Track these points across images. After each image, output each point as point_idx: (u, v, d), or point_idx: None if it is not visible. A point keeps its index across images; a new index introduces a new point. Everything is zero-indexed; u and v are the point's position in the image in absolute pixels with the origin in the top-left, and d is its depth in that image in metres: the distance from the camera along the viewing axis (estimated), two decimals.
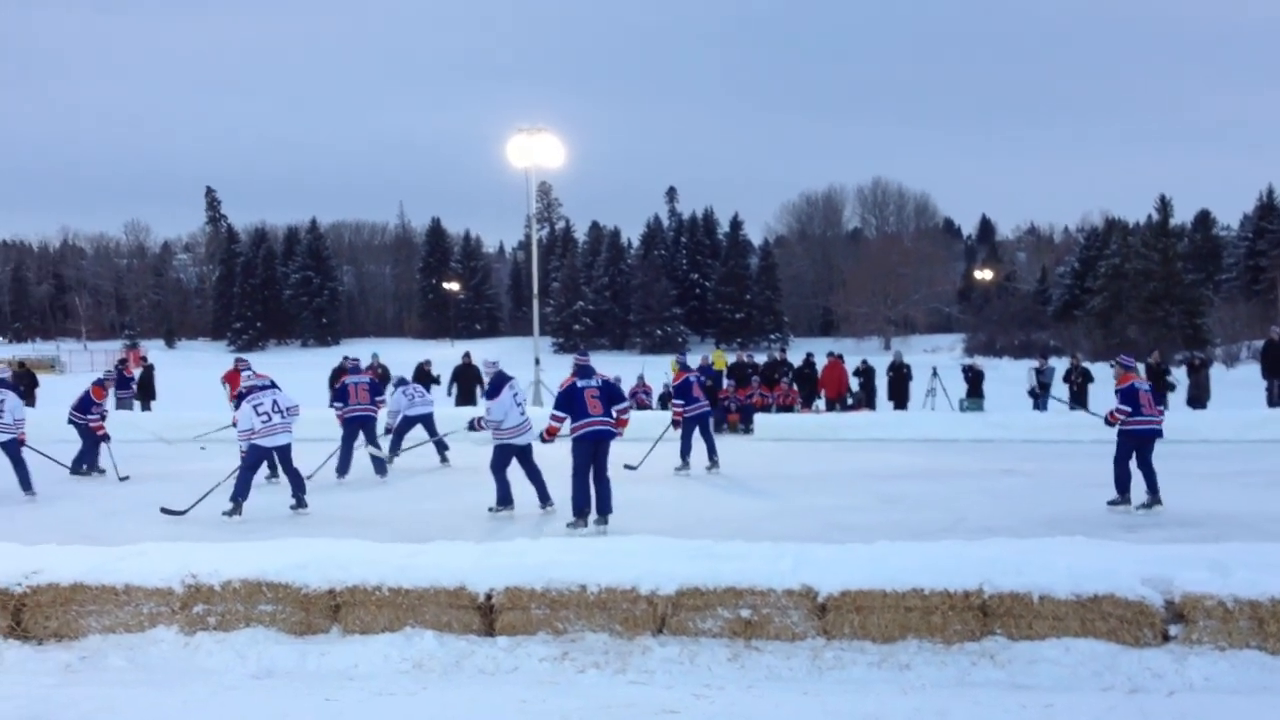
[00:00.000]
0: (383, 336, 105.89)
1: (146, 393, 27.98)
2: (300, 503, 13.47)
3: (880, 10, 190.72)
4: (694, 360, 22.62)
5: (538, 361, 33.38)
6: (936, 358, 50.23)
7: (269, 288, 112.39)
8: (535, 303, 37.61)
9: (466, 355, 28.60)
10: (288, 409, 13.64)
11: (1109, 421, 13.21)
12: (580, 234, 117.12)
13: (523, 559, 7.90)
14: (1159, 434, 13.22)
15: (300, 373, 37.24)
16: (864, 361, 29.00)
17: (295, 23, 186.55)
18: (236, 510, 12.93)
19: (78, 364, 67.39)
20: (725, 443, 21.89)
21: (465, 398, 26.73)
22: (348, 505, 14.10)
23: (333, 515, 13.04)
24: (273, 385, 14.07)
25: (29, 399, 30.60)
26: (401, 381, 19.15)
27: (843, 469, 17.52)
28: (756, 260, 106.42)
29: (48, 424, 20.88)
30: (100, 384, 18.37)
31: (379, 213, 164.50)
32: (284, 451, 13.65)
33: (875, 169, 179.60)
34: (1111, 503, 13.07)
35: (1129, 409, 12.98)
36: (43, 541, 8.44)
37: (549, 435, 12.61)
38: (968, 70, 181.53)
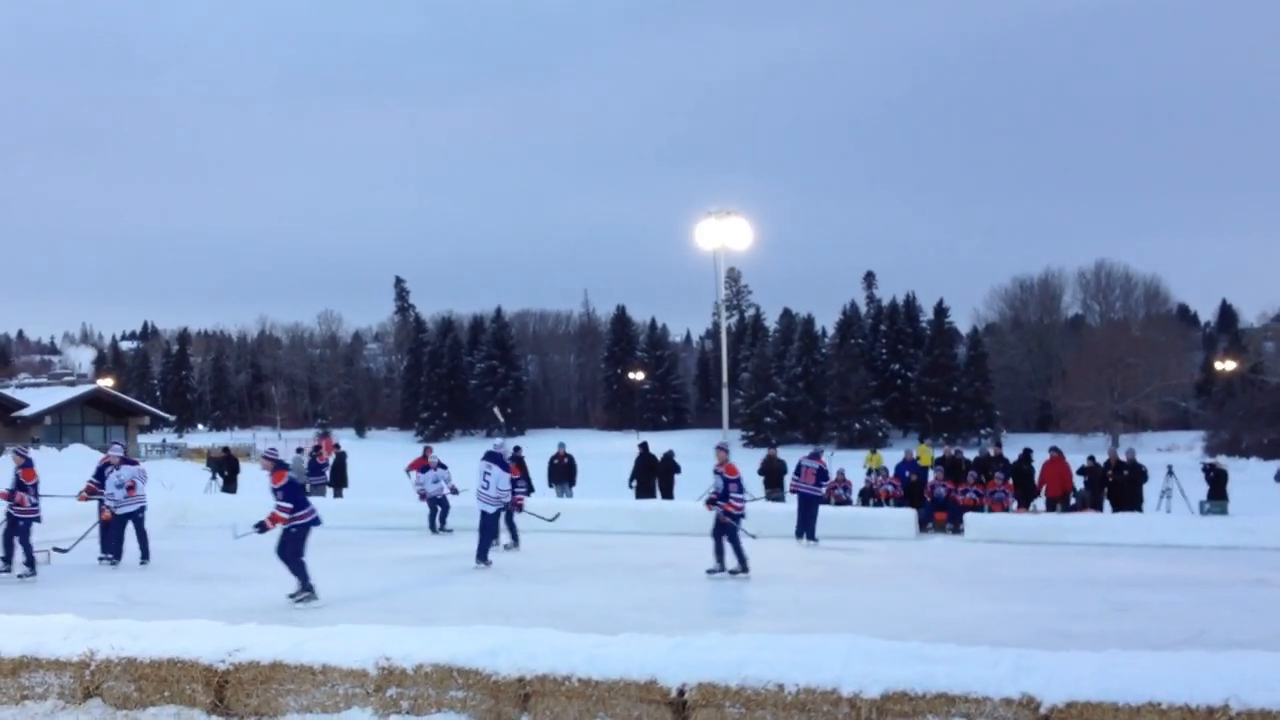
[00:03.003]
0: (567, 427, 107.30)
1: (339, 480, 29.02)
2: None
3: (1097, 81, 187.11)
4: (895, 456, 22.53)
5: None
6: (1172, 456, 48.43)
7: (455, 377, 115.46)
8: (725, 393, 37.57)
9: (643, 445, 28.97)
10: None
11: None
12: (771, 322, 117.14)
13: (717, 654, 7.89)
14: None
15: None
16: (1090, 459, 28.12)
17: (479, 113, 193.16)
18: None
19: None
20: (931, 543, 21.59)
21: (645, 490, 27.03)
22: (537, 594, 14.38)
23: (522, 603, 13.31)
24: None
25: (232, 485, 32.27)
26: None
27: (1065, 574, 17.02)
28: (964, 349, 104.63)
29: (244, 509, 21.80)
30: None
31: (563, 301, 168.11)
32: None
33: (1097, 251, 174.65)
34: None
35: None
36: (242, 620, 8.86)
37: None
38: (1203, 142, 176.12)
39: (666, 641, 8.33)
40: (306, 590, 14.22)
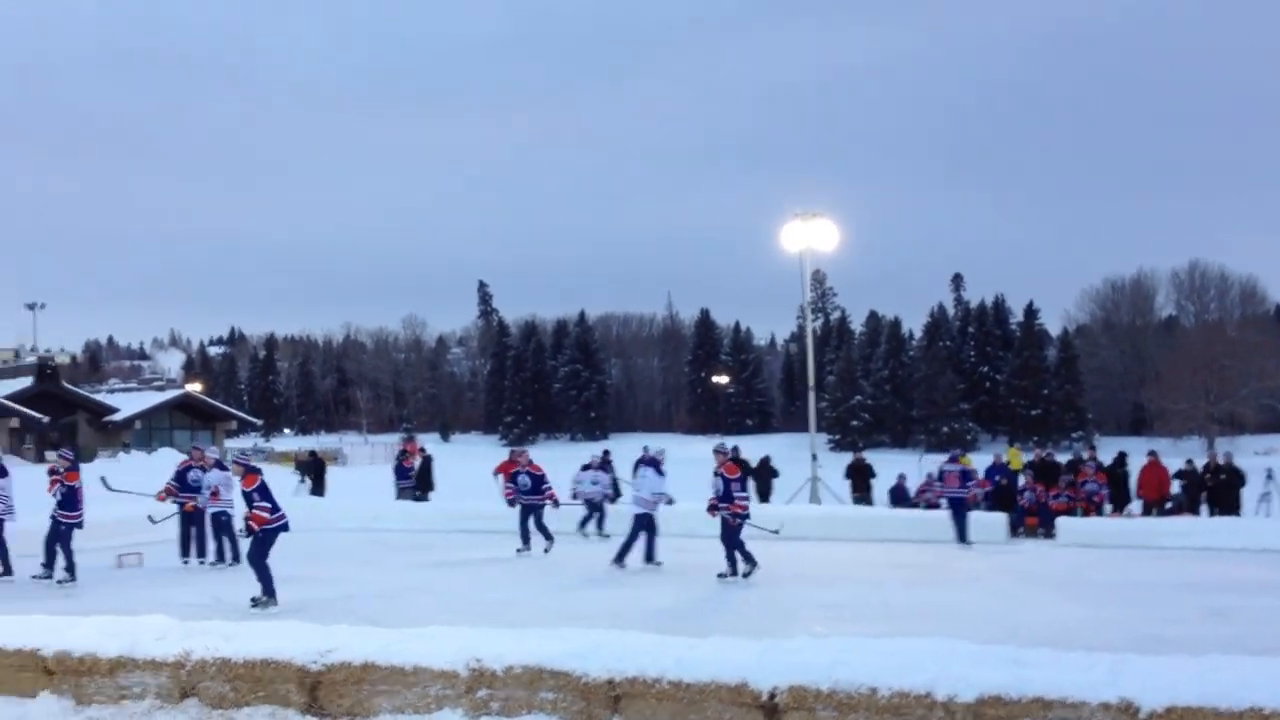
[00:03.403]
0: (651, 431, 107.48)
1: (425, 484, 29.30)
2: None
3: (1189, 75, 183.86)
4: (984, 459, 22.37)
5: (815, 458, 33.24)
6: (1271, 459, 47.44)
7: (539, 381, 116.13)
8: (811, 396, 37.35)
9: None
10: None
11: None
12: (856, 324, 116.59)
13: (808, 656, 7.87)
14: None
15: (570, 465, 38.19)
16: (1188, 462, 27.63)
17: (561, 116, 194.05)
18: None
19: (359, 456, 71.10)
20: (1022, 548, 21.36)
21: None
22: (625, 597, 14.45)
23: (610, 606, 13.38)
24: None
25: (319, 487, 32.76)
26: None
27: (1161, 579, 16.77)
28: (1055, 351, 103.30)
29: (331, 512, 22.29)
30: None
31: (647, 304, 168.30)
32: None
33: (1191, 250, 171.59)
34: None
35: None
36: (332, 621, 9.00)
37: None
38: None
39: (757, 644, 8.33)
40: (269, 595, 14.29)
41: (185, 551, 18.84)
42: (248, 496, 14.59)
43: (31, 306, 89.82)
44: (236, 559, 18.34)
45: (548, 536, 19.77)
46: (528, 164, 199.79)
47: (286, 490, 33.54)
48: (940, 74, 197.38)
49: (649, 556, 17.65)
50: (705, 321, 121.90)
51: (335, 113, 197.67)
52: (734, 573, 16.31)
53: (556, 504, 20.52)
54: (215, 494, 18.42)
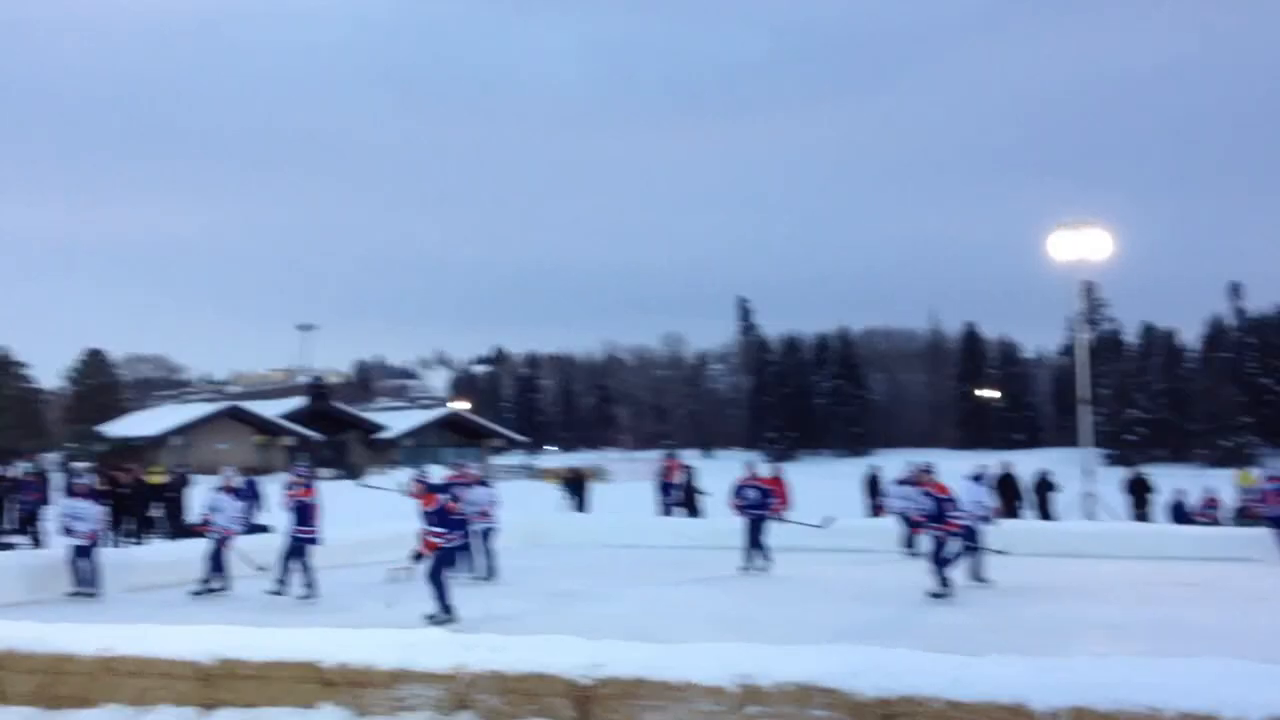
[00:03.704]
0: (917, 447, 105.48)
1: (690, 500, 29.56)
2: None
3: None
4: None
5: (1089, 474, 32.19)
6: None
7: (801, 397, 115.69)
8: (1085, 410, 36.22)
9: (1005, 465, 28.73)
10: None
11: None
12: (1129, 336, 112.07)
13: (1088, 676, 7.62)
14: None
15: (832, 482, 38.01)
16: None
17: (820, 131, 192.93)
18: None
19: (621, 472, 72.12)
20: None
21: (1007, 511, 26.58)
22: (895, 616, 14.28)
23: (880, 623, 13.25)
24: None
25: (583, 503, 33.53)
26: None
27: None
28: None
29: (596, 528, 22.70)
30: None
31: (910, 318, 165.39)
32: None
33: None
34: None
35: None
36: (601, 636, 9.15)
37: None
38: None
39: (1034, 663, 8.10)
40: (446, 613, 14.59)
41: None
42: (426, 517, 15.03)
43: (304, 328, 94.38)
44: (495, 574, 18.90)
45: (765, 555, 19.66)
46: (786, 179, 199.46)
47: (550, 506, 34.50)
48: (1205, 81, 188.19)
49: (974, 575, 17.44)
50: (970, 335, 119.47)
51: (594, 131, 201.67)
52: (945, 592, 16.02)
53: (781, 519, 20.34)
54: (485, 513, 19.03)
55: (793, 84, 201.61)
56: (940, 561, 16.12)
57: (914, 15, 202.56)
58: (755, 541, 19.66)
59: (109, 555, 19.99)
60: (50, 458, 60.23)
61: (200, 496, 18.38)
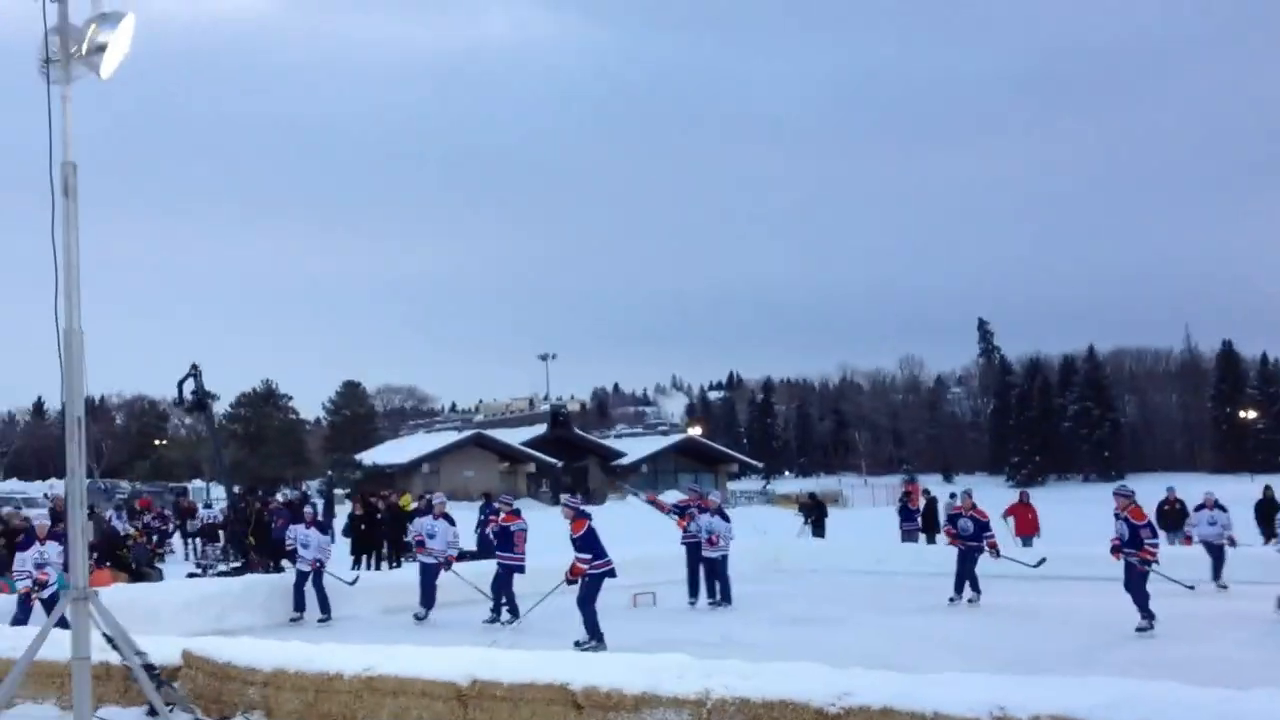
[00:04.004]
0: (1171, 470, 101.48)
1: (930, 526, 29.15)
2: None
3: None
4: None
5: None
6: None
7: (1046, 420, 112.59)
8: None
9: (1266, 489, 27.32)
10: None
11: None
12: None
13: None
14: None
15: (1079, 508, 36.81)
16: None
17: (1059, 148, 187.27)
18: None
19: (859, 498, 71.52)
20: None
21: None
22: (1149, 648, 13.79)
23: (1136, 656, 12.81)
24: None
25: (820, 529, 33.40)
26: None
27: None
28: None
29: (834, 554, 22.52)
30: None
31: (1161, 338, 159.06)
32: None
33: None
34: None
35: None
36: (842, 664, 9.08)
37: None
38: None
39: None
40: (595, 639, 14.50)
41: (693, 592, 19.62)
42: (574, 543, 15.19)
43: (544, 357, 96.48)
44: (728, 600, 18.95)
45: (975, 588, 19.09)
46: (1023, 197, 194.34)
47: (790, 532, 34.42)
48: None
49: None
50: (1228, 353, 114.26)
51: (828, 158, 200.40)
52: (1149, 624, 15.26)
53: (997, 553, 19.62)
54: (712, 540, 19.13)
55: (1030, 102, 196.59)
56: (1138, 591, 15.45)
57: (1153, 30, 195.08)
58: (966, 573, 19.15)
59: (367, 578, 20.88)
60: (312, 484, 63.00)
61: (417, 523, 18.97)
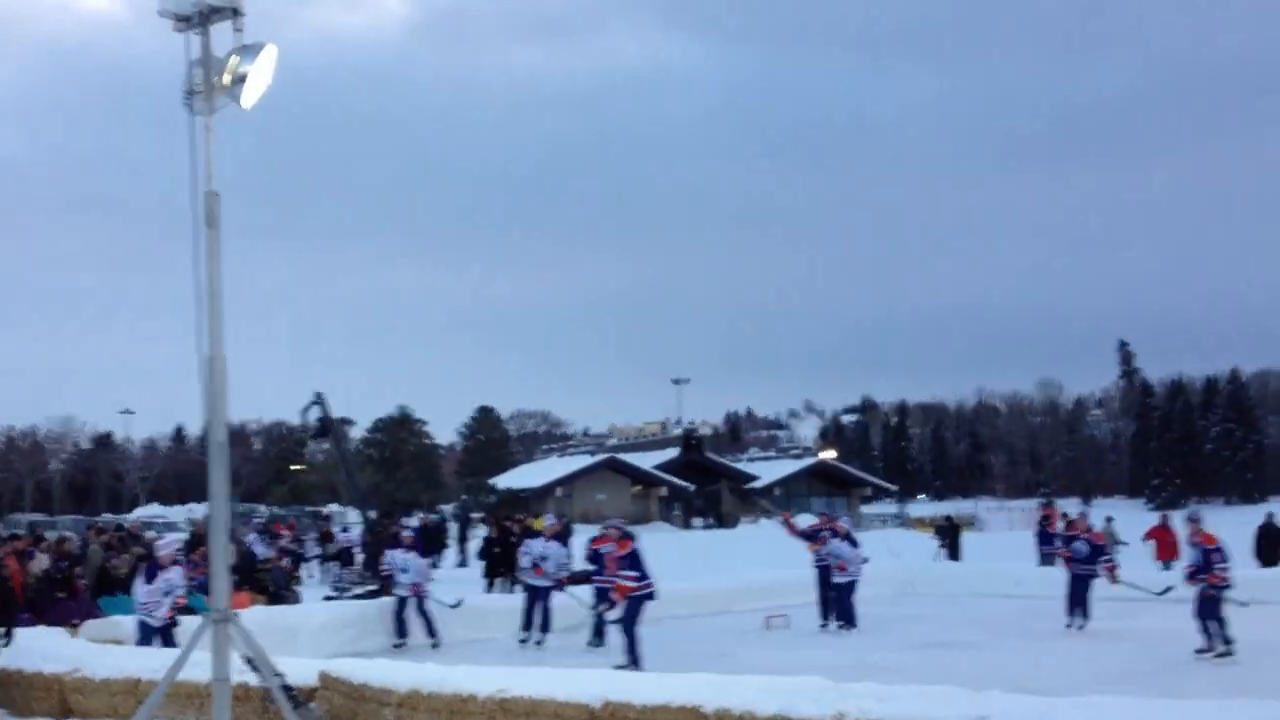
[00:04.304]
0: None
1: None
2: None
3: None
4: None
5: None
6: None
7: (1187, 442, 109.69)
8: None
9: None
10: None
11: None
12: None
13: None
14: None
15: (1222, 531, 35.74)
16: None
17: (1201, 168, 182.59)
18: None
19: (995, 522, 70.27)
20: None
21: None
22: None
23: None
24: None
25: (955, 551, 32.97)
26: None
27: None
28: None
29: (970, 577, 22.22)
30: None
31: None
32: None
33: None
34: None
35: None
36: (979, 687, 8.91)
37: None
38: None
39: None
40: (633, 661, 14.34)
41: (824, 615, 19.44)
42: (619, 562, 15.12)
43: (677, 382, 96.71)
44: (851, 623, 18.72)
45: (1085, 613, 18.42)
46: (1166, 218, 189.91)
47: (925, 556, 33.92)
48: None
49: None
50: None
51: (961, 178, 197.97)
52: (1210, 649, 15.01)
53: (1114, 579, 18.89)
54: (840, 566, 19.00)
55: (1166, 118, 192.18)
56: (1208, 616, 15.16)
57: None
58: (1079, 598, 18.56)
59: (499, 601, 21.04)
60: (446, 509, 63.82)
61: (529, 546, 18.67)
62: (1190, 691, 10.22)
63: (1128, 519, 64.95)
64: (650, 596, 15.13)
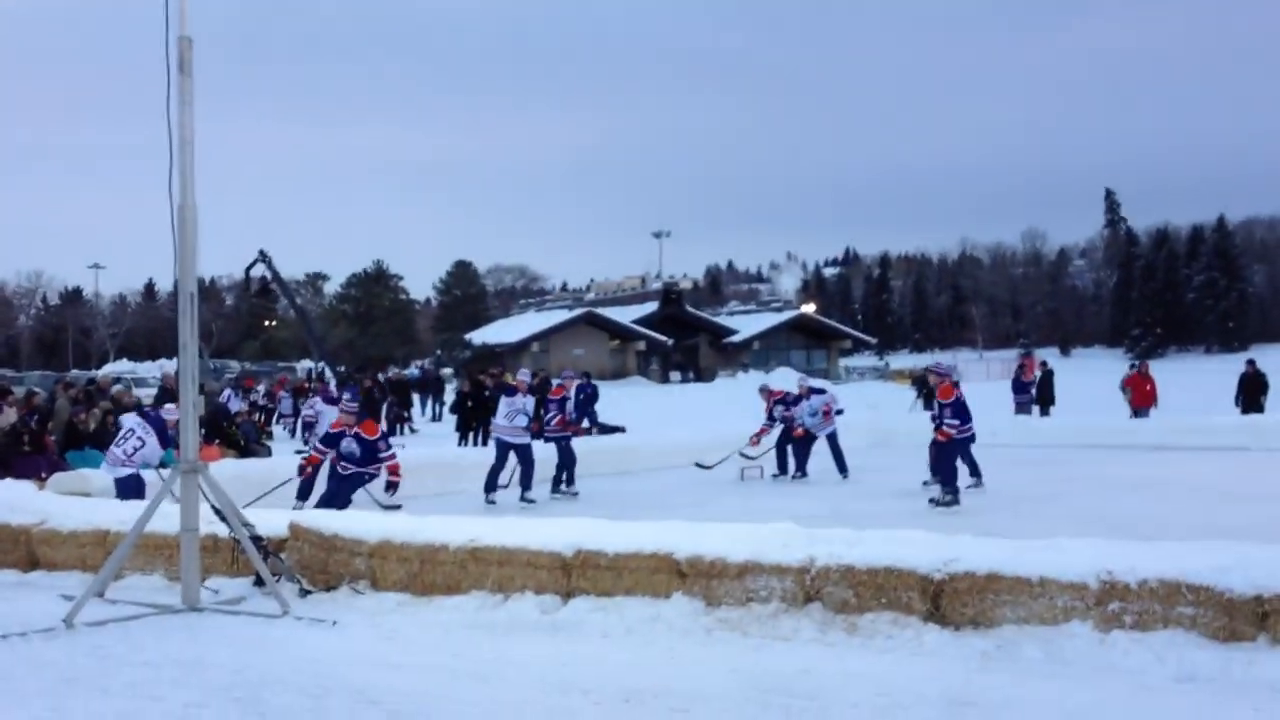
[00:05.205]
0: None
1: (1045, 398, 28.80)
2: None
3: None
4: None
5: None
6: None
7: (1170, 291, 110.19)
8: None
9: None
10: None
11: None
12: None
13: None
14: None
15: (1199, 378, 36.15)
16: None
17: (1180, 18, 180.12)
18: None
19: (974, 373, 70.84)
20: None
21: None
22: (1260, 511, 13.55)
23: (1252, 521, 12.54)
24: None
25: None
26: None
27: None
28: None
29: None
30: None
31: None
32: None
33: None
34: None
35: None
36: (951, 532, 9.04)
37: None
38: None
39: None
40: (950, 496, 15.44)
41: (782, 467, 19.71)
42: (940, 408, 16.39)
43: (658, 235, 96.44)
44: (845, 473, 19.03)
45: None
46: (1154, 65, 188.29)
47: (901, 408, 34.30)
48: None
49: None
50: None
51: (948, 32, 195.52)
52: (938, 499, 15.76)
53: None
54: (826, 413, 19.30)
55: None
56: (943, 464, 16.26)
57: None
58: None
59: (471, 455, 21.15)
60: (420, 363, 63.89)
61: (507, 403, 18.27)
62: (1160, 534, 10.37)
63: (1106, 367, 65.72)
64: (972, 439, 16.68)
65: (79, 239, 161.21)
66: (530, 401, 18.03)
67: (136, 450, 14.58)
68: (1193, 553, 7.82)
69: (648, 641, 8.19)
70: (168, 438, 14.60)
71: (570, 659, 7.65)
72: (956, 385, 16.81)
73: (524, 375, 19.68)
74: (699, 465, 20.20)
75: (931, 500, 15.68)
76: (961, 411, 16.31)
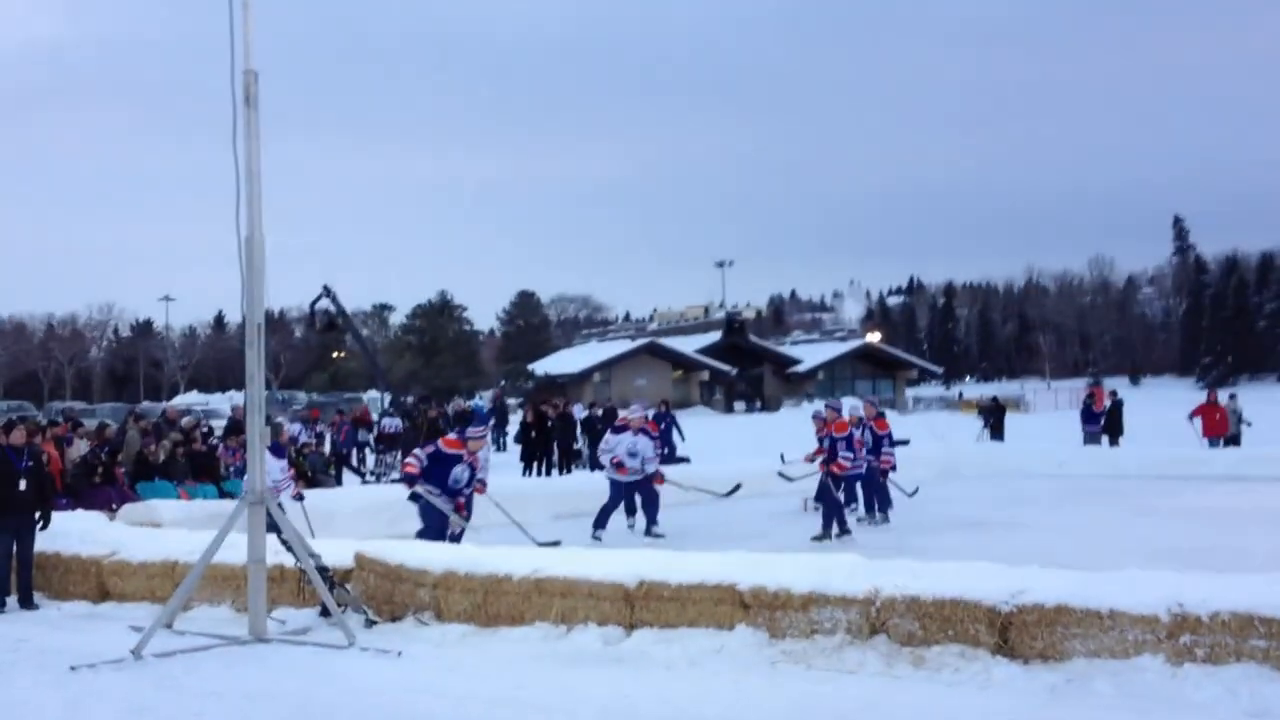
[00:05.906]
0: None
1: (1114, 428, 28.47)
2: None
3: None
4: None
5: None
6: None
7: (1239, 319, 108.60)
8: None
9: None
10: None
11: None
12: None
13: None
14: None
15: (1274, 408, 35.52)
16: None
17: (1253, 40, 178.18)
18: None
19: (1042, 402, 70.21)
20: None
21: None
22: None
23: None
24: None
25: (999, 432, 32.93)
26: None
27: None
28: None
29: (1015, 457, 22.20)
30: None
31: None
32: None
33: None
34: None
35: None
36: (1020, 564, 8.94)
37: None
38: None
39: None
40: (826, 532, 15.52)
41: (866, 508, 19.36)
42: (833, 442, 16.03)
43: (721, 265, 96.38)
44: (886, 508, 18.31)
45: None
46: (1227, 89, 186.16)
47: (968, 437, 34.01)
48: None
49: None
50: None
51: (1013, 54, 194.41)
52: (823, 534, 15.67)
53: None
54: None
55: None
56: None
57: None
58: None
59: (535, 485, 21.18)
60: (485, 394, 64.16)
61: (612, 441, 17.89)
62: (1233, 567, 10.20)
63: (1177, 397, 64.75)
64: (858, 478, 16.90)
65: (150, 271, 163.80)
66: (640, 441, 16.77)
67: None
68: (1265, 585, 7.71)
69: (711, 674, 8.17)
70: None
71: (633, 691, 7.64)
72: (853, 422, 16.61)
73: (636, 410, 17.84)
74: (782, 475, 20.01)
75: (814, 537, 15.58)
76: (853, 445, 16.26)
